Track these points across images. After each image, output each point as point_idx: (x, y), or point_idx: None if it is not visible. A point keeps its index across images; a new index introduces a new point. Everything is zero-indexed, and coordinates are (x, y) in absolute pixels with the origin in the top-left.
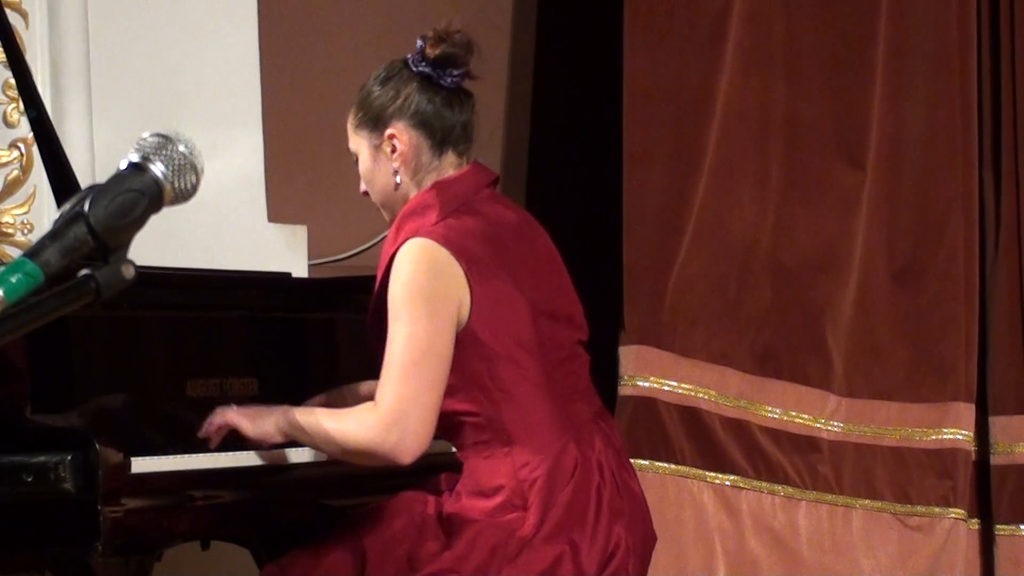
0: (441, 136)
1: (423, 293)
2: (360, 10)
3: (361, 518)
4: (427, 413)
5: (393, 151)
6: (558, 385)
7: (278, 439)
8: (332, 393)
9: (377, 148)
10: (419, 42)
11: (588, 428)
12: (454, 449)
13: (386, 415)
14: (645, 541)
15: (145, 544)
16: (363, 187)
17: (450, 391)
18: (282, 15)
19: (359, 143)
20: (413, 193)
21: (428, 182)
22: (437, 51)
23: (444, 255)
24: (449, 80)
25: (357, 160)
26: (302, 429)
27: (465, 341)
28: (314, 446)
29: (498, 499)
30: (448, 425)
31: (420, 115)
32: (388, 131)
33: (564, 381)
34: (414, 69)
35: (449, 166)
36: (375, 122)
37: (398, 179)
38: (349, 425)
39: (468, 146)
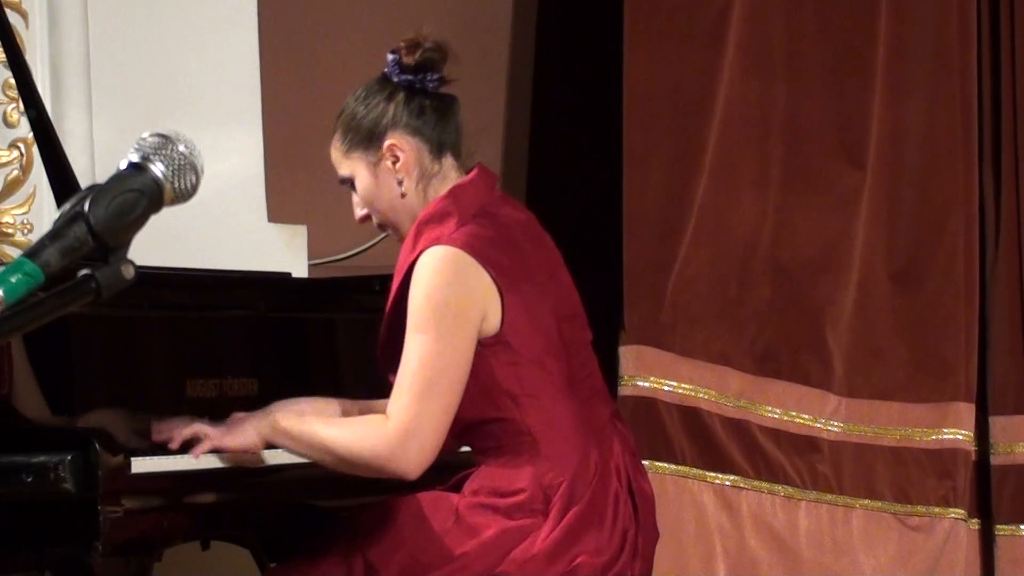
0: (438, 141)
1: (447, 307)
2: (360, 10)
3: (361, 522)
4: (439, 431)
5: (395, 162)
6: (580, 387)
7: (260, 448)
8: (313, 403)
9: (376, 164)
10: (390, 56)
11: (607, 430)
12: (465, 448)
13: (399, 430)
14: (652, 541)
15: (145, 544)
16: (360, 212)
17: (476, 399)
18: (282, 15)
19: (353, 166)
20: (419, 202)
21: (434, 188)
22: (415, 57)
23: (470, 263)
24: (431, 85)
25: (352, 185)
26: (292, 436)
27: (495, 348)
28: (304, 454)
29: (518, 499)
30: (471, 430)
31: (414, 122)
32: (387, 142)
33: (585, 383)
34: (395, 80)
35: (451, 168)
36: (369, 139)
37: (403, 189)
38: (356, 435)
39: (463, 148)
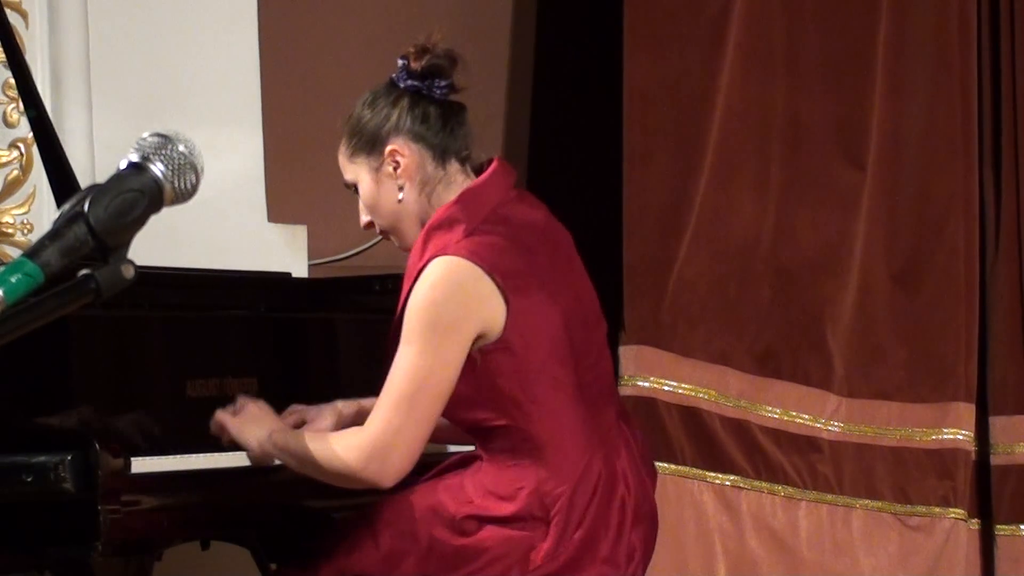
0: (442, 148)
1: (440, 321)
2: (360, 10)
3: (354, 536)
4: (414, 445)
5: (396, 168)
6: (588, 391)
7: (254, 453)
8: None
9: (378, 170)
10: (400, 61)
11: (613, 435)
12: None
13: (372, 443)
14: (652, 545)
15: (145, 544)
16: (365, 219)
17: (480, 404)
18: (282, 15)
19: (357, 171)
20: (421, 209)
21: (438, 195)
22: (422, 63)
23: (474, 272)
24: (439, 92)
25: (356, 190)
26: (286, 450)
27: (498, 355)
28: (295, 467)
29: (515, 505)
30: (475, 430)
31: (417, 128)
32: (389, 148)
33: (594, 385)
34: (401, 85)
35: (457, 174)
36: (372, 144)
37: (402, 195)
38: (333, 448)
39: (469, 153)
